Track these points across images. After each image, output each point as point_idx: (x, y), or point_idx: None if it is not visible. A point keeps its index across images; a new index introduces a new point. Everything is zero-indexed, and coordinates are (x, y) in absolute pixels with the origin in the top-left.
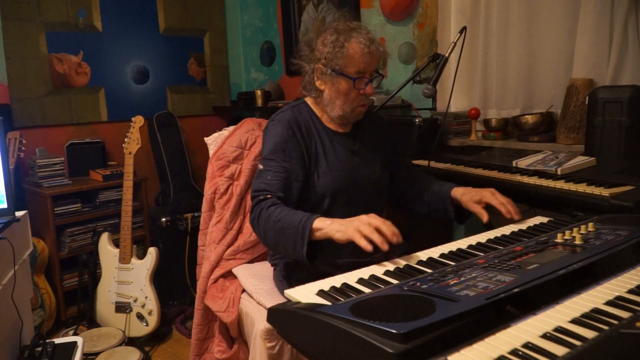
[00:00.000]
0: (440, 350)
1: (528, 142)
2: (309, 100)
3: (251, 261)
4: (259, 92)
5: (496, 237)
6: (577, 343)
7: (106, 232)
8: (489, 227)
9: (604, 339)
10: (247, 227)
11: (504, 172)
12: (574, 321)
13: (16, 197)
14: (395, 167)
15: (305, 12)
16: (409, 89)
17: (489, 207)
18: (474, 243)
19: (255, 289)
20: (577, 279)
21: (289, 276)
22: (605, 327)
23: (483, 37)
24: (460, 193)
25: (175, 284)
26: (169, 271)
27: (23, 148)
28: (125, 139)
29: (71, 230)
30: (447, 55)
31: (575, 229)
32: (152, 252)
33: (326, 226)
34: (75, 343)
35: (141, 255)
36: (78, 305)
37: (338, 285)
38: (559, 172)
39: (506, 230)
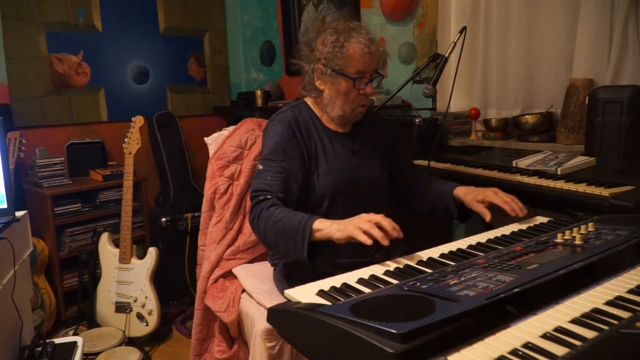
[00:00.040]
0: (440, 350)
1: (528, 142)
2: (308, 101)
3: (251, 261)
4: (259, 92)
5: (496, 237)
6: (577, 343)
7: (106, 232)
8: (489, 227)
9: (604, 339)
10: (247, 227)
11: (504, 172)
12: (574, 321)
13: (16, 197)
14: (395, 166)
15: (305, 12)
16: (409, 89)
17: (491, 206)
18: (474, 243)
19: (255, 289)
20: (577, 279)
21: (289, 276)
22: (605, 327)
23: (483, 37)
24: (463, 192)
25: (175, 284)
26: (169, 271)
27: (23, 148)
28: (125, 139)
29: (71, 230)
30: (447, 55)
31: (575, 229)
32: (152, 252)
33: (326, 227)
34: (75, 343)
35: (141, 255)
36: (78, 305)
37: (338, 285)
38: (559, 172)
39: (506, 230)
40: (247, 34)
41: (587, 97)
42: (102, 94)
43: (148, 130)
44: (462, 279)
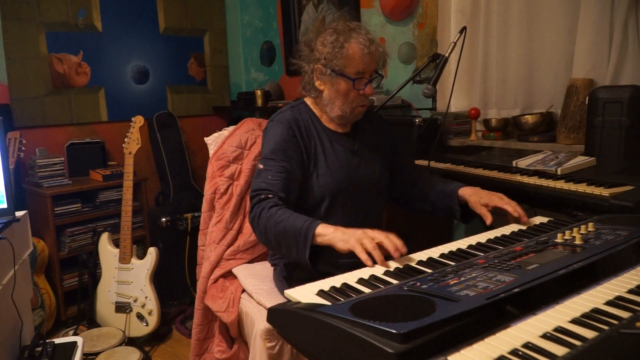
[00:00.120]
0: (440, 350)
1: (528, 142)
2: (308, 101)
3: (251, 261)
4: (259, 92)
5: (496, 237)
6: (577, 343)
7: (106, 232)
8: (489, 229)
9: (604, 339)
10: (247, 227)
11: (504, 172)
12: (574, 321)
13: (16, 197)
14: (395, 166)
15: (305, 12)
16: (409, 89)
17: (493, 209)
18: (474, 243)
19: (255, 289)
20: (577, 279)
21: (289, 276)
22: (605, 327)
23: (483, 37)
24: (468, 193)
25: (175, 284)
26: (169, 271)
27: (23, 148)
28: (125, 139)
29: (71, 230)
30: (447, 55)
31: (575, 229)
32: (152, 252)
33: (329, 233)
34: (75, 343)
35: (141, 255)
36: (78, 305)
37: (338, 285)
38: (559, 172)
39: (506, 230)
40: (247, 34)
41: (587, 97)
42: (102, 94)
43: (148, 130)
44: (462, 279)
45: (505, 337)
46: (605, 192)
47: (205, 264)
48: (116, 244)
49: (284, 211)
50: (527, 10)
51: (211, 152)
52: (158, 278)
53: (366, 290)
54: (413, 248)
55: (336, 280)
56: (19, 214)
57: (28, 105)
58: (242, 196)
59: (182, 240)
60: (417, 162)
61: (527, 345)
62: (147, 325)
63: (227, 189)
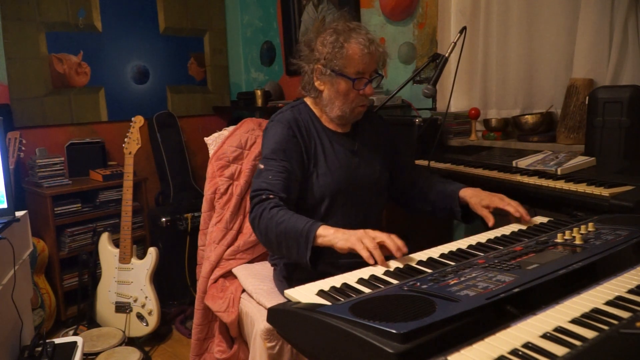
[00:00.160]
0: (440, 350)
1: (528, 142)
2: (308, 101)
3: (251, 261)
4: (259, 92)
5: (496, 237)
6: (577, 343)
7: (106, 232)
8: (490, 228)
9: (604, 339)
10: (247, 227)
11: (504, 172)
12: (574, 321)
13: (16, 197)
14: (395, 166)
15: (305, 12)
16: (409, 89)
17: (494, 210)
18: (474, 243)
19: (255, 289)
20: (577, 279)
21: (289, 276)
22: (605, 327)
23: (483, 37)
24: (469, 195)
25: (175, 284)
26: (169, 271)
27: (23, 148)
28: (125, 139)
29: (71, 230)
30: (447, 55)
31: (575, 229)
32: (152, 252)
33: (330, 234)
34: (75, 343)
35: (141, 255)
36: (78, 305)
37: (338, 285)
38: (559, 172)
39: (506, 230)
40: (247, 34)
41: (587, 97)
42: (102, 94)
43: (148, 130)
44: (462, 279)
45: (505, 337)
46: (605, 192)
47: (205, 264)
48: (116, 244)
49: (285, 212)
50: (527, 10)
51: (211, 152)
52: (158, 278)
53: (366, 290)
54: (413, 248)
55: (336, 280)
56: (19, 214)
57: (28, 105)
58: (242, 196)
59: (182, 240)
60: (417, 162)
61: (527, 345)
62: (147, 325)
63: (227, 189)
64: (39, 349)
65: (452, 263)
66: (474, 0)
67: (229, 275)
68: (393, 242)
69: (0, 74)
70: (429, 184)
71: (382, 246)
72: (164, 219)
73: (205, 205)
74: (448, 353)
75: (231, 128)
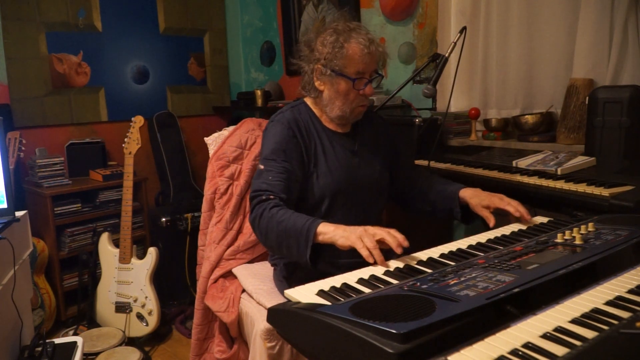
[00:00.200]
0: (440, 350)
1: (528, 142)
2: (308, 101)
3: (251, 261)
4: (259, 92)
5: (496, 237)
6: (577, 343)
7: (106, 232)
8: (491, 229)
9: (604, 339)
10: (247, 227)
11: (504, 172)
12: (574, 321)
13: (16, 197)
14: (395, 166)
15: (305, 12)
16: (409, 89)
17: (495, 210)
18: (474, 243)
19: (255, 289)
20: (577, 279)
21: (289, 276)
22: (605, 327)
23: (483, 37)
24: (469, 195)
25: (175, 284)
26: (169, 271)
27: (23, 148)
28: (125, 139)
29: (71, 230)
30: (447, 55)
31: (575, 229)
32: (152, 252)
33: (330, 231)
34: (75, 343)
35: (141, 255)
36: (78, 305)
37: (338, 285)
38: (559, 172)
39: (506, 230)
40: (247, 34)
41: (587, 97)
42: (102, 94)
43: (148, 130)
44: (462, 279)
45: (505, 337)
46: (605, 192)
47: (205, 264)
48: (116, 244)
49: (285, 211)
50: (527, 10)
51: (211, 152)
52: (158, 278)
53: (366, 290)
54: (413, 248)
55: (336, 280)
56: (19, 214)
57: (28, 105)
58: (242, 196)
59: (182, 240)
60: (417, 162)
61: (527, 345)
62: (147, 325)
63: (227, 189)
64: (39, 349)
65: (452, 263)
66: (474, 0)
67: (229, 275)
68: (393, 238)
69: (0, 74)
70: (429, 184)
71: (383, 242)
72: (164, 219)
73: (205, 205)
74: (448, 353)
75: (231, 128)
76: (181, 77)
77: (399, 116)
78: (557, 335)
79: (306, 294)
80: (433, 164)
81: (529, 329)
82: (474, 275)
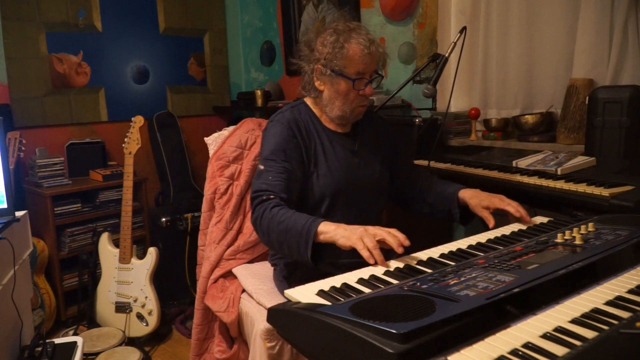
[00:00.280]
0: (440, 350)
1: (528, 142)
2: (308, 101)
3: (251, 261)
4: (259, 92)
5: (496, 237)
6: (577, 343)
7: (106, 232)
8: (489, 229)
9: (604, 339)
10: (247, 227)
11: (504, 172)
12: (574, 321)
13: (16, 197)
14: (395, 167)
15: (305, 12)
16: (409, 89)
17: (494, 211)
18: (474, 243)
19: (255, 289)
20: (577, 279)
21: (289, 276)
22: (605, 327)
23: (483, 37)
24: (468, 196)
25: (175, 284)
26: (169, 271)
27: (23, 148)
28: (125, 139)
29: (71, 230)
30: (447, 55)
31: (575, 229)
32: (152, 252)
33: (331, 230)
34: (75, 343)
35: (141, 255)
36: (78, 305)
37: (338, 285)
38: (559, 172)
39: (506, 230)
40: (247, 34)
41: (587, 97)
42: (102, 94)
43: (148, 130)
44: (462, 279)
45: (505, 337)
46: (605, 192)
47: (205, 264)
48: (116, 244)
49: (285, 210)
50: (527, 10)
51: (211, 152)
52: (158, 278)
53: (366, 290)
54: (413, 248)
55: (336, 280)
56: (19, 214)
57: (28, 105)
58: (242, 196)
59: (182, 240)
60: (417, 162)
61: (527, 345)
62: (147, 325)
63: (227, 189)
64: (39, 349)
65: (452, 263)
66: (474, 0)
67: (229, 275)
68: (394, 238)
69: (0, 74)
70: (428, 185)
71: (384, 242)
72: (164, 219)
73: (205, 205)
74: (448, 353)
75: (231, 128)
76: (181, 77)
77: (399, 116)
78: (557, 335)
79: (306, 294)
80: (433, 164)
81: (529, 329)
82: (474, 275)
